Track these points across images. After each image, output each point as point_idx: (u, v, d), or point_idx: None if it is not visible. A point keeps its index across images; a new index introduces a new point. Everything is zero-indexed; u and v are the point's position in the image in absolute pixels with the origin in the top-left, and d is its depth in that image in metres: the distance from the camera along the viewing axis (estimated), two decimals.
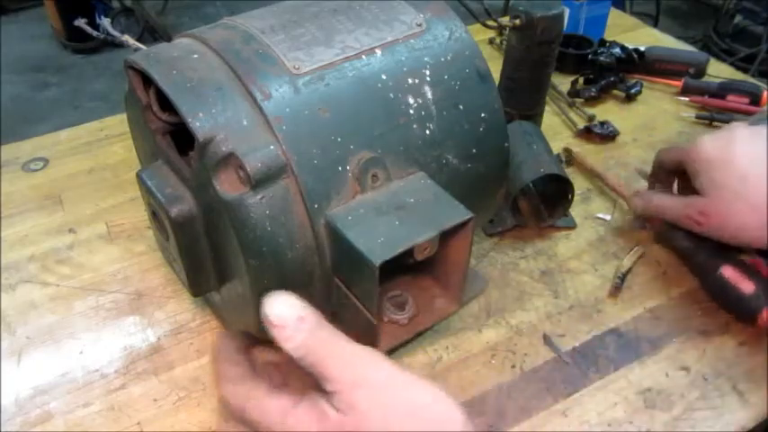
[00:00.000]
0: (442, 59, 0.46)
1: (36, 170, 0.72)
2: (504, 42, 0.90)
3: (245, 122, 0.40)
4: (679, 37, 1.03)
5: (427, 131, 0.45)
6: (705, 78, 0.87)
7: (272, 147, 0.40)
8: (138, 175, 0.47)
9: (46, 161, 0.73)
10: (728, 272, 0.54)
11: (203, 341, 0.53)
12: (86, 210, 0.67)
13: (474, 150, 0.47)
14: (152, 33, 2.70)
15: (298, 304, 0.34)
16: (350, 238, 0.40)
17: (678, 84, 0.85)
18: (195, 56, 0.43)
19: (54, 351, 0.53)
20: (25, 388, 0.50)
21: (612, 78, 0.84)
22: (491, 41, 0.95)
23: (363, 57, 0.44)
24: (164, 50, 0.45)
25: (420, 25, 0.47)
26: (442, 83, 0.46)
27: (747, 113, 0.79)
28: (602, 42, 0.88)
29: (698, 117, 0.80)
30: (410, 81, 0.45)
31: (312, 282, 0.43)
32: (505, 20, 0.66)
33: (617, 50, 0.85)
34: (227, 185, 0.40)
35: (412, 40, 0.46)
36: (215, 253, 0.45)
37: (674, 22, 2.79)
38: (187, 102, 0.40)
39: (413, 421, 0.33)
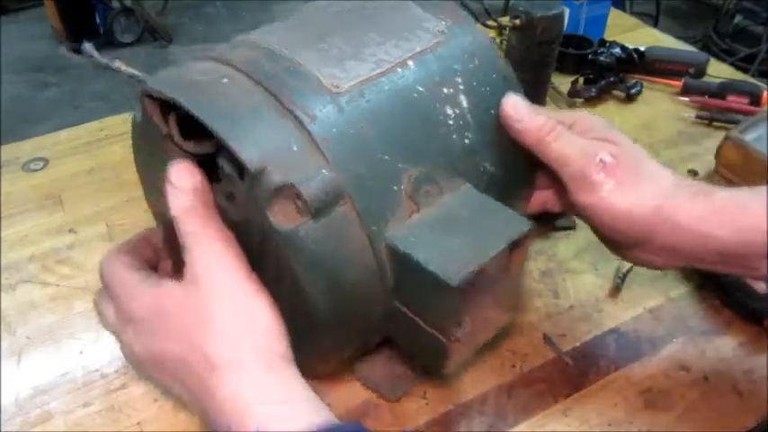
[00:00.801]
0: (470, 66, 0.45)
1: (36, 170, 0.72)
2: (504, 42, 0.90)
3: (294, 148, 0.38)
4: (679, 37, 1.03)
5: (466, 140, 0.44)
6: (705, 78, 0.87)
7: (325, 171, 0.38)
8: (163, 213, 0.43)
9: (46, 161, 0.73)
10: None
11: None
12: (86, 210, 0.67)
13: (508, 156, 0.46)
14: (152, 33, 2.70)
15: (197, 176, 0.38)
16: (420, 260, 0.38)
17: (678, 84, 0.85)
18: (225, 80, 0.41)
19: (54, 351, 0.53)
20: (25, 388, 0.50)
21: (612, 78, 0.84)
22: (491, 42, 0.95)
23: (398, 69, 0.43)
24: (185, 75, 0.42)
25: (443, 32, 0.46)
26: (473, 90, 0.45)
27: (747, 113, 0.79)
28: (602, 42, 0.88)
29: (698, 117, 0.80)
30: (445, 91, 0.44)
31: (372, 306, 0.42)
32: (505, 20, 0.66)
33: (617, 50, 0.85)
34: (281, 216, 0.38)
35: (439, 49, 0.45)
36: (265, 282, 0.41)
37: (674, 22, 2.79)
38: (231, 130, 0.37)
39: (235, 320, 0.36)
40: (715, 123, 0.79)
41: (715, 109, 0.81)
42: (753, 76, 1.03)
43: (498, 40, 0.94)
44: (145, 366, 0.40)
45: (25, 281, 0.59)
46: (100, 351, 0.53)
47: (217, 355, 0.35)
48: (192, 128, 0.39)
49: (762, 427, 0.49)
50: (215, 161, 0.40)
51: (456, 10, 0.48)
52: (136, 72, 0.51)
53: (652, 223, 0.43)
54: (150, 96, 0.41)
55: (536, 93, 0.71)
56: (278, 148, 0.38)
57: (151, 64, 2.61)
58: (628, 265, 0.60)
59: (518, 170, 0.48)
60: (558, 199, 0.50)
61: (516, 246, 0.41)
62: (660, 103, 0.84)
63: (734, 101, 0.81)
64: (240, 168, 0.38)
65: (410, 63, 0.43)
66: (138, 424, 0.48)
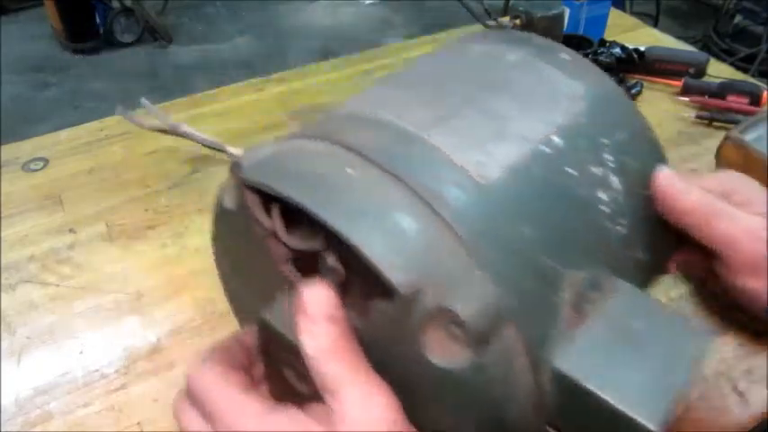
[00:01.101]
0: (617, 137, 0.38)
1: (36, 170, 0.72)
2: None
3: (445, 259, 0.30)
4: (679, 37, 1.03)
5: (620, 228, 0.36)
6: (705, 78, 0.87)
7: (486, 289, 0.30)
8: (265, 320, 0.34)
9: (46, 161, 0.73)
10: None
11: (203, 341, 0.53)
12: (86, 210, 0.67)
13: (656, 237, 0.39)
14: (152, 33, 2.70)
15: (334, 301, 0.31)
16: (610, 399, 0.30)
17: (678, 84, 0.85)
18: (350, 170, 0.33)
19: (54, 351, 0.53)
20: (25, 388, 0.50)
21: (613, 78, 0.84)
22: None
23: (546, 149, 0.35)
24: (294, 161, 0.34)
25: (582, 97, 0.38)
26: (625, 168, 0.37)
27: (747, 113, 0.79)
28: (603, 42, 0.88)
29: (698, 117, 0.80)
30: (595, 171, 0.36)
31: None
32: (505, 20, 0.66)
33: (617, 50, 0.85)
34: (437, 347, 0.30)
35: (582, 119, 0.37)
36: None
37: (674, 22, 2.79)
38: (374, 244, 0.30)
39: None
40: (715, 123, 0.79)
41: (715, 109, 0.81)
42: (753, 76, 1.03)
43: None
44: None
45: (25, 281, 0.59)
46: (100, 351, 0.53)
47: None
48: (294, 217, 0.33)
49: (762, 427, 0.49)
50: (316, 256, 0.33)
51: (586, 64, 0.41)
52: (223, 146, 0.42)
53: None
54: (250, 186, 0.34)
55: None
56: (426, 261, 0.30)
57: (152, 64, 2.61)
58: None
59: (665, 251, 0.42)
60: (699, 267, 0.44)
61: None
62: (660, 103, 0.84)
63: (734, 101, 0.81)
64: (377, 280, 0.30)
65: (556, 139, 0.35)
66: (137, 424, 0.48)
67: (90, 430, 0.48)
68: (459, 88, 0.38)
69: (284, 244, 0.34)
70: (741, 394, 0.50)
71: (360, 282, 0.32)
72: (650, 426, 0.30)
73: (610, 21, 0.95)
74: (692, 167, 0.72)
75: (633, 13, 2.02)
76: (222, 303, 0.45)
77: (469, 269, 0.30)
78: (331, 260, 0.32)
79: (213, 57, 2.66)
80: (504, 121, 0.36)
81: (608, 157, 0.37)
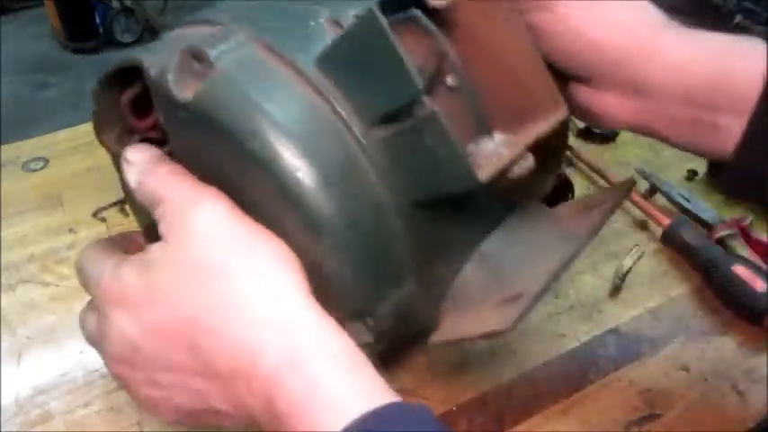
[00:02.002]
0: None
1: (36, 170, 0.72)
2: None
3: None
4: None
5: None
6: None
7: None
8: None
9: (46, 161, 0.73)
10: (741, 269, 0.54)
11: None
12: (86, 210, 0.67)
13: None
14: (152, 33, 2.70)
15: (153, 151, 0.36)
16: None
17: None
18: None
19: (54, 351, 0.53)
20: (25, 388, 0.50)
21: None
22: None
23: None
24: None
25: None
26: None
27: None
28: None
29: None
30: None
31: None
32: None
33: None
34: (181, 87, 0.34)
35: None
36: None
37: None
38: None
39: (245, 251, 0.31)
40: None
41: None
42: None
43: None
44: (142, 354, 0.32)
45: (25, 281, 0.59)
46: None
47: (246, 308, 0.30)
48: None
49: (762, 426, 0.49)
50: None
51: None
52: None
53: (624, 48, 0.36)
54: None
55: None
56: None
57: None
58: (628, 265, 0.60)
59: None
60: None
61: None
62: None
63: None
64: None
65: None
66: (137, 424, 0.48)
67: (90, 430, 0.48)
68: None
69: (135, 128, 0.39)
70: (741, 394, 0.50)
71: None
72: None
73: None
74: (692, 167, 0.72)
75: None
76: None
77: None
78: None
79: None
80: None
81: None
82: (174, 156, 0.37)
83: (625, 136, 0.77)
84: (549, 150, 0.39)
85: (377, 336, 0.34)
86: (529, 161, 0.32)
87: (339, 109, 0.32)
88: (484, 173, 0.31)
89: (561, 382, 0.51)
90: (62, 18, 2.55)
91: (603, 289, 0.59)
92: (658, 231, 0.63)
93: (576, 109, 0.39)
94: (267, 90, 0.32)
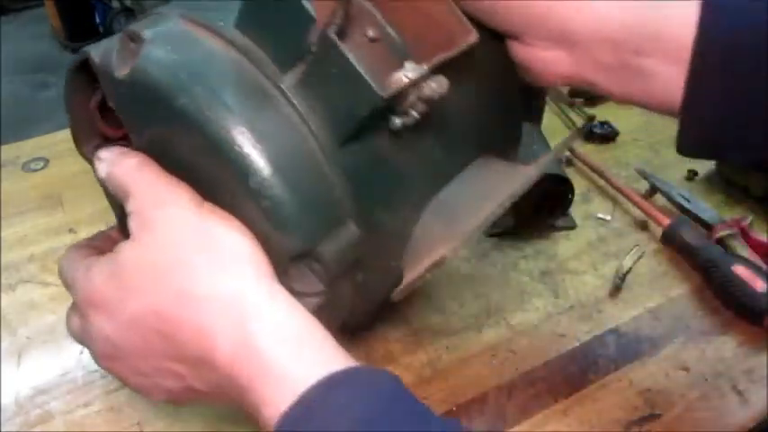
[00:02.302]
0: None
1: (36, 170, 0.72)
2: None
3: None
4: None
5: None
6: None
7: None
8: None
9: (46, 161, 0.73)
10: (741, 269, 0.54)
11: None
12: (86, 210, 0.67)
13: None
14: None
15: (122, 149, 0.38)
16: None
17: None
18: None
19: (54, 351, 0.53)
20: (25, 388, 0.50)
21: None
22: None
23: None
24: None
25: None
26: None
27: None
28: None
29: None
30: None
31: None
32: None
33: None
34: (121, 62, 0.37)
35: None
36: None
37: None
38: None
39: (202, 247, 0.34)
40: None
41: None
42: None
43: None
44: (123, 348, 0.35)
45: (25, 281, 0.59)
46: None
47: (205, 300, 0.32)
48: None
49: (762, 426, 0.49)
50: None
51: None
52: None
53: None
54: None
55: (536, 93, 0.71)
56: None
57: None
58: (628, 265, 0.60)
59: None
60: None
61: None
62: None
63: None
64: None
65: None
66: (137, 424, 0.48)
67: (90, 430, 0.48)
68: None
69: (104, 134, 0.42)
70: (741, 394, 0.50)
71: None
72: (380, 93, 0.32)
73: None
74: (692, 167, 0.72)
75: None
76: None
77: None
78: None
79: None
80: None
81: None
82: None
83: (625, 136, 0.77)
84: (507, 89, 0.43)
85: (328, 283, 0.36)
86: (440, 82, 0.34)
87: (256, 58, 0.35)
88: (387, 91, 0.33)
89: (561, 382, 0.51)
90: (62, 18, 2.55)
91: (603, 289, 0.59)
92: (658, 231, 0.63)
93: (519, 68, 0.40)
94: (190, 52, 0.35)
